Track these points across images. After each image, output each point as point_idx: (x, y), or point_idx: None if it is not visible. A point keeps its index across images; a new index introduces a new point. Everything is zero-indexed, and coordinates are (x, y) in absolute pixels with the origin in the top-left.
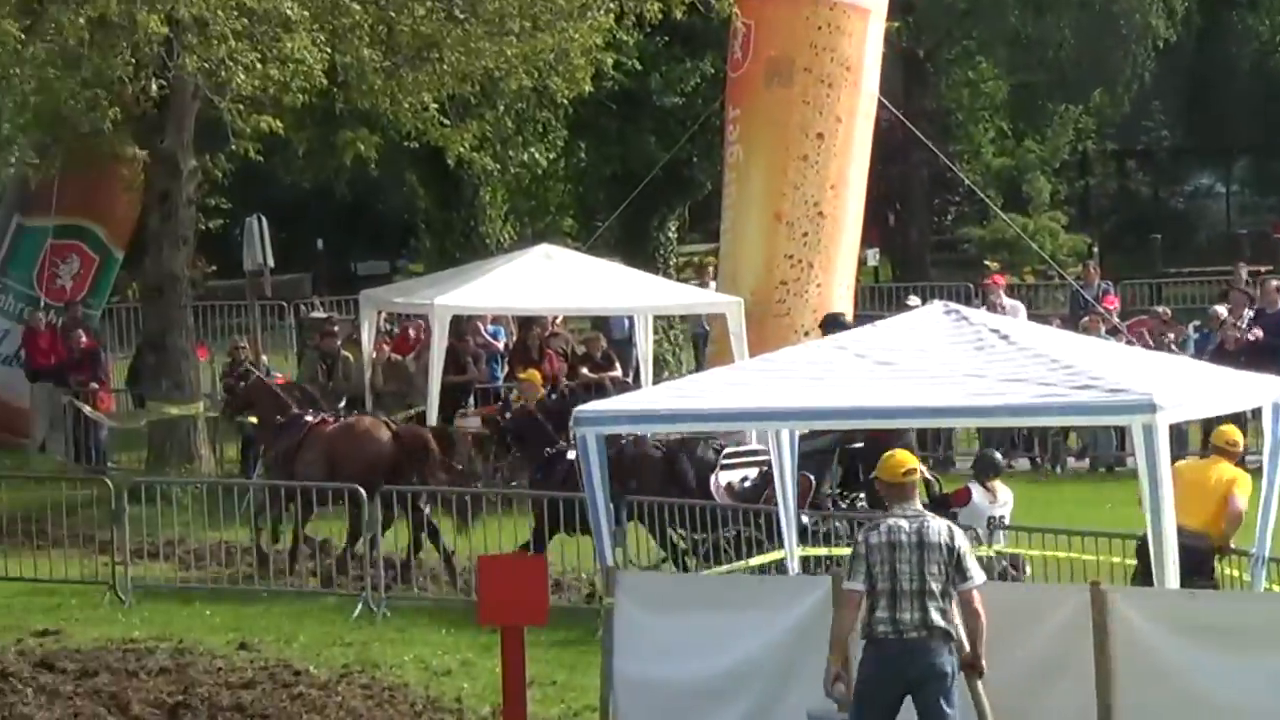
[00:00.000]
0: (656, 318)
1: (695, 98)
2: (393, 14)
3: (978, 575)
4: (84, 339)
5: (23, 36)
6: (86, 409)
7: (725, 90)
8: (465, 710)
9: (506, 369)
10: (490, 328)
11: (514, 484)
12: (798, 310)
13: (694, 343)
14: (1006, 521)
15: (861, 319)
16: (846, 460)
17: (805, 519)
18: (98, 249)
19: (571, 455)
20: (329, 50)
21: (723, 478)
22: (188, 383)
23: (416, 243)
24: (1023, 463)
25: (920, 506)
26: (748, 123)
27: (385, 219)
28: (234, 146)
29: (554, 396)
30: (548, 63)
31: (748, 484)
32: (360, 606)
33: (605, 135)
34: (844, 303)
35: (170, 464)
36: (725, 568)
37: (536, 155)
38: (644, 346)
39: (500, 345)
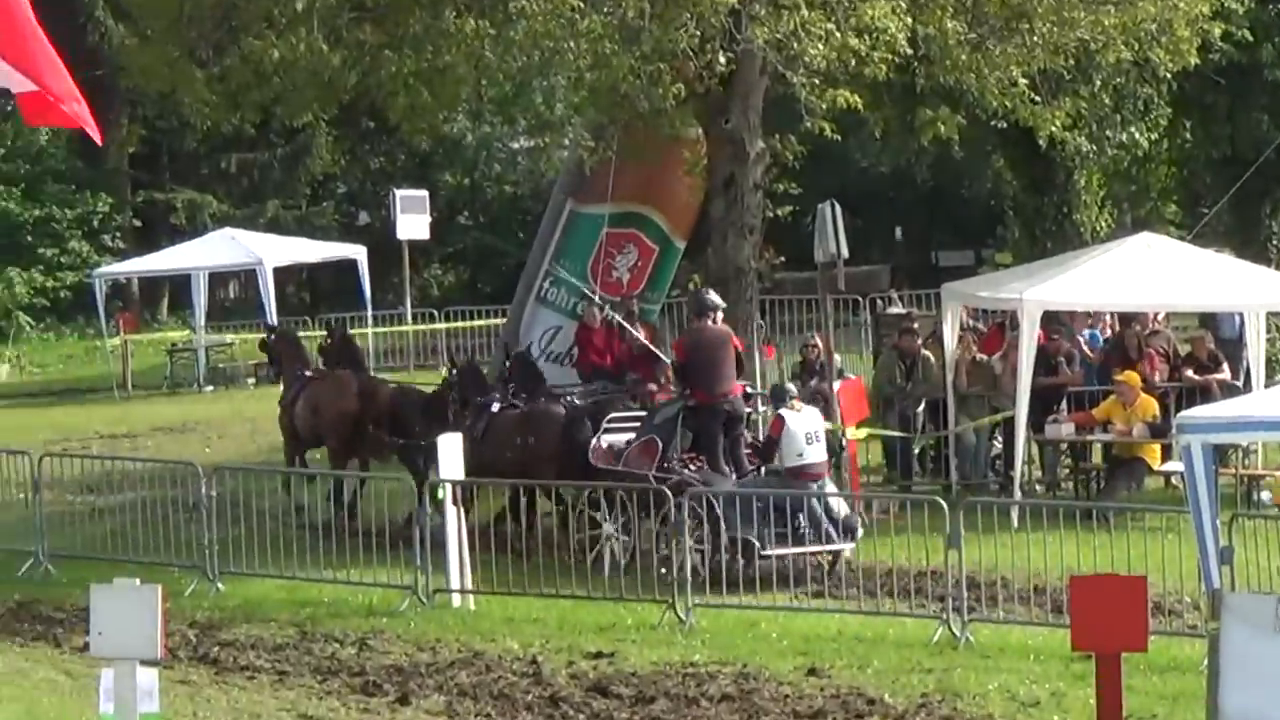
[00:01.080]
0: (1270, 315)
1: None
2: None
3: None
4: (641, 336)
5: (580, 6)
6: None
7: None
8: None
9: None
10: (1085, 332)
11: None
12: None
13: None
14: (821, 435)
15: None
16: (692, 423)
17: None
18: (657, 238)
19: None
20: (910, 20)
21: (604, 440)
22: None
23: (1004, 231)
24: None
25: None
26: None
27: (969, 205)
28: (806, 125)
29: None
30: (1149, 33)
31: (627, 447)
32: (940, 629)
33: (1212, 113)
34: None
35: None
36: None
37: (1136, 135)
38: (1256, 347)
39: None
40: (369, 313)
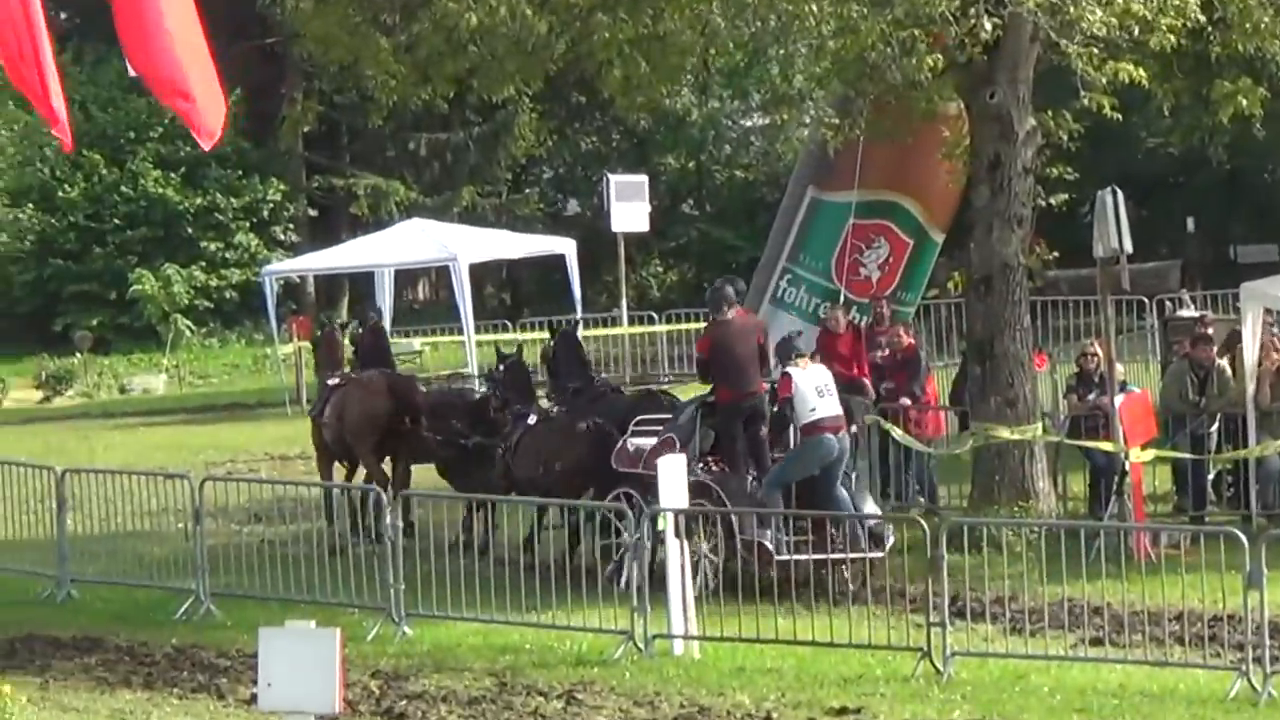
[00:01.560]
0: None
1: None
2: None
3: None
4: (903, 339)
5: None
6: (896, 432)
7: None
8: None
9: None
10: None
11: None
12: None
13: None
14: (832, 388)
15: None
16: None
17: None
18: (911, 231)
19: None
20: None
21: (630, 444)
22: (1022, 398)
23: None
24: None
25: None
26: None
27: (1272, 192)
28: (1083, 101)
29: None
30: None
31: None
32: (1238, 682)
33: None
34: None
35: (1000, 501)
36: None
37: None
38: None
39: None
40: (579, 315)
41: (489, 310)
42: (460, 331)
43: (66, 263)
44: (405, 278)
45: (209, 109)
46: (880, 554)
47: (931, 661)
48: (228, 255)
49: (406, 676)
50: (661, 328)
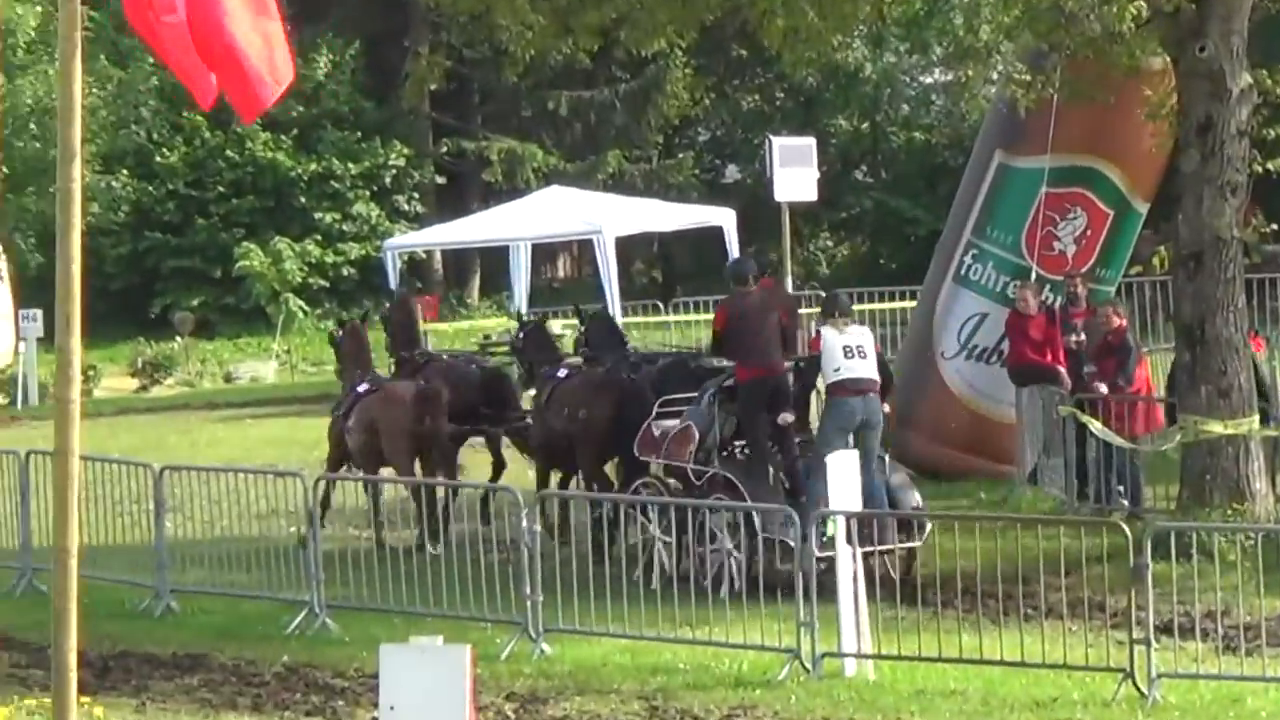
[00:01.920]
0: None
1: None
2: None
3: None
4: (1113, 321)
5: None
6: (1094, 425)
7: None
8: None
9: None
10: None
11: None
12: None
13: None
14: (867, 352)
15: None
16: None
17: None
18: (1111, 200)
19: None
20: None
21: (655, 428)
22: (1236, 388)
23: None
24: None
25: None
26: None
27: None
28: None
29: None
30: None
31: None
32: None
33: None
34: None
35: (1212, 503)
36: None
37: None
38: None
39: None
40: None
41: (637, 289)
42: None
43: (165, 236)
44: (543, 253)
45: (263, 75)
46: (915, 543)
47: (1135, 684)
48: (345, 228)
49: (545, 699)
50: None
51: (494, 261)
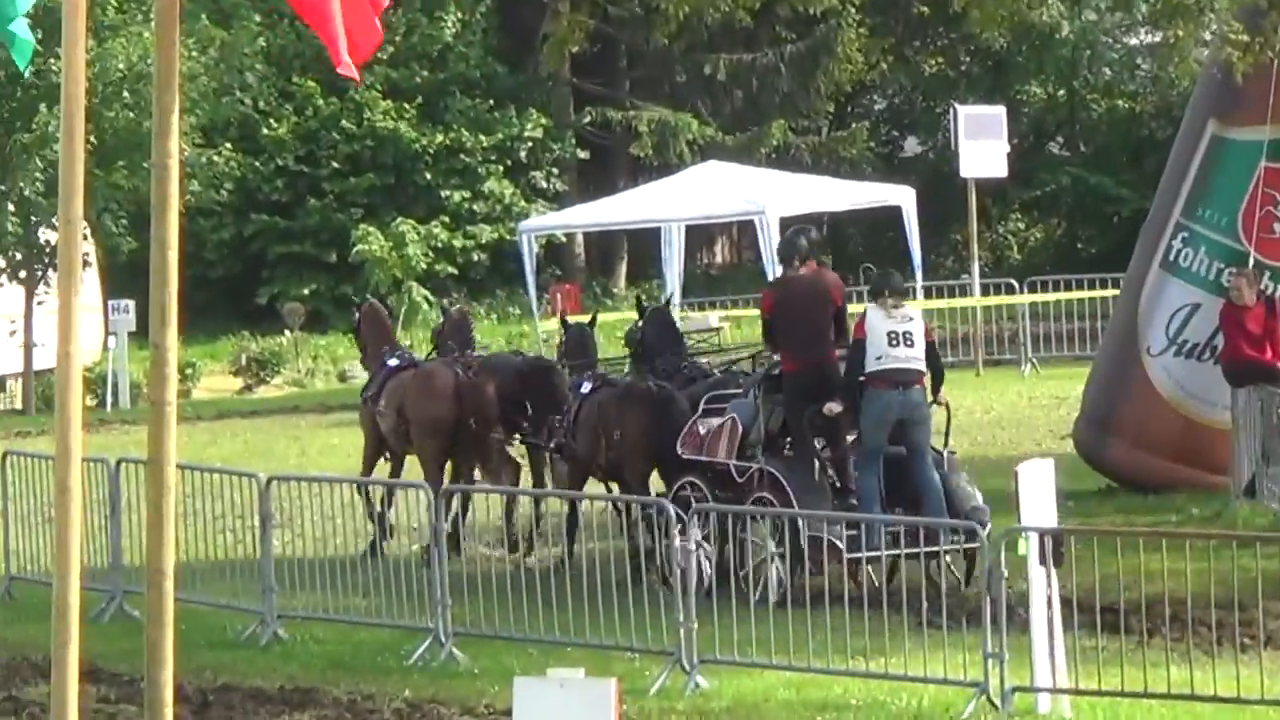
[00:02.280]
0: None
1: None
2: None
3: None
4: None
5: None
6: None
7: None
8: None
9: None
10: None
11: None
12: None
13: None
14: (914, 339)
15: None
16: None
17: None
18: None
19: None
20: None
21: (701, 425)
22: None
23: None
24: None
25: None
26: None
27: None
28: None
29: None
30: None
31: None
32: None
33: None
34: None
35: None
36: None
37: None
38: None
39: None
40: (919, 283)
41: None
42: None
43: (273, 217)
44: (699, 235)
45: (356, 30)
46: (974, 544)
47: None
48: (475, 208)
49: None
50: (1024, 298)
51: (643, 246)
